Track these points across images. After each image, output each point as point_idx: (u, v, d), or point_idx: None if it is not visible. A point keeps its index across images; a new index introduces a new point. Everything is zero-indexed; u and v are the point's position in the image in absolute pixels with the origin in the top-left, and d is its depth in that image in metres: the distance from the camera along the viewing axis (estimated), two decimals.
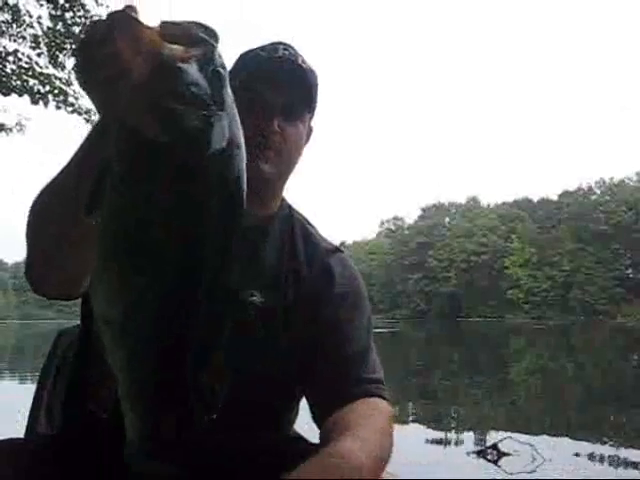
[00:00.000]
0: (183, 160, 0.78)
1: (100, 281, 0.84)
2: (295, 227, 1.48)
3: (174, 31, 0.81)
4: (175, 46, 0.79)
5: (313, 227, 1.54)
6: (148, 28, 0.80)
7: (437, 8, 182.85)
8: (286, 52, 1.35)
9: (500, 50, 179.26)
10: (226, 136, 0.81)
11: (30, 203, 1.13)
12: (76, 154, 1.03)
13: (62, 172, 1.06)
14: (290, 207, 1.51)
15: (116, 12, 0.83)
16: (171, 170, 0.78)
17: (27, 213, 1.13)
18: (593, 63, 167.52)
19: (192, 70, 0.79)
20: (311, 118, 1.44)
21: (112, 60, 0.80)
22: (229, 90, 0.84)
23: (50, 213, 1.08)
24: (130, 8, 0.81)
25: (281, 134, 1.34)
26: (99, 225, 0.82)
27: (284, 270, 1.41)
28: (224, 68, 0.84)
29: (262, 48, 1.38)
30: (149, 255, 0.80)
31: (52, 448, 1.38)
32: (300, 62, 1.36)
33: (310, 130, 1.46)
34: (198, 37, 0.81)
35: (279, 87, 1.34)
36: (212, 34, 0.83)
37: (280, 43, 1.38)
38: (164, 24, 0.81)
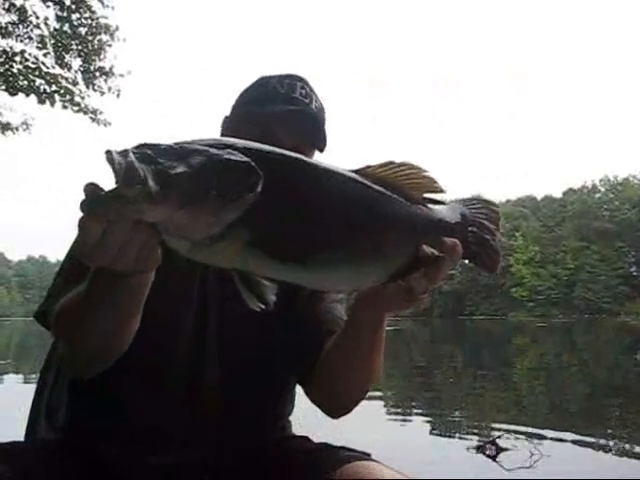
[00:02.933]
0: None
1: None
2: None
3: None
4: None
5: None
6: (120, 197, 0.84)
7: (447, 8, 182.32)
8: (302, 91, 1.39)
9: (505, 47, 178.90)
10: None
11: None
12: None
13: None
14: None
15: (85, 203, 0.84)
16: None
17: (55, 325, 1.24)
18: (598, 61, 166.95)
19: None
20: (322, 152, 1.46)
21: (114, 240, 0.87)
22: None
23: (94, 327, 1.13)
24: (90, 188, 0.83)
25: None
26: None
27: None
28: None
29: (280, 82, 1.41)
30: None
31: (55, 453, 1.37)
32: (314, 105, 1.40)
33: None
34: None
35: (291, 130, 1.36)
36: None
37: (299, 80, 1.42)
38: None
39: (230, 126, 1.44)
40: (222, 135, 1.43)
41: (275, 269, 0.93)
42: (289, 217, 0.92)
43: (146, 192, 0.81)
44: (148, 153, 0.84)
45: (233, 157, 0.88)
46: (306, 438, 1.51)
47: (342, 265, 0.98)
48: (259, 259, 0.90)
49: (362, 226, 0.99)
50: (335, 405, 1.44)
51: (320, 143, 1.42)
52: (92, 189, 0.82)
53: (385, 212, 1.01)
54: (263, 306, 0.93)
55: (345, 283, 1.06)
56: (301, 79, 1.42)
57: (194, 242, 0.87)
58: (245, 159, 0.88)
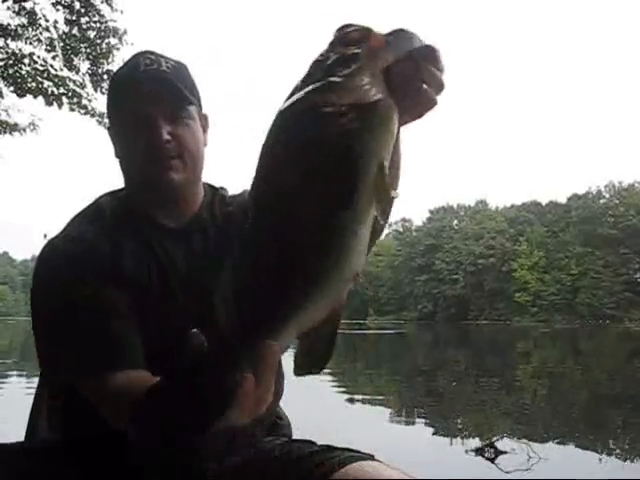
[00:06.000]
0: None
1: None
2: (214, 201, 1.51)
3: None
4: None
5: (227, 192, 1.57)
6: None
7: (448, 7, 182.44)
8: (147, 61, 1.37)
9: (509, 50, 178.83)
10: None
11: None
12: None
13: None
14: (211, 188, 1.54)
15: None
16: None
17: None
18: (604, 66, 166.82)
19: None
20: (201, 108, 1.45)
21: None
22: None
23: None
24: None
25: (176, 140, 1.35)
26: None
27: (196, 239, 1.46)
28: None
29: (125, 64, 1.41)
30: None
31: (55, 454, 1.38)
32: (164, 68, 1.37)
33: (205, 119, 1.47)
34: None
35: (153, 100, 1.34)
36: None
37: (140, 54, 1.40)
38: None
39: (112, 131, 1.45)
40: (113, 141, 1.44)
41: None
42: None
43: None
44: None
45: None
46: (309, 441, 1.51)
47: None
48: None
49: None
50: None
51: (186, 98, 1.38)
52: None
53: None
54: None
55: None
56: (144, 52, 1.41)
57: None
58: None
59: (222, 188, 1.57)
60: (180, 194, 1.41)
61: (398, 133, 1.04)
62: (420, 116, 1.06)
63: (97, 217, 1.41)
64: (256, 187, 1.00)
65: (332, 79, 0.94)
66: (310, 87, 0.95)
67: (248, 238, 1.01)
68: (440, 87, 1.03)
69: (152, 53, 1.40)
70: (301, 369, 1.04)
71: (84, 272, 1.31)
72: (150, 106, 1.34)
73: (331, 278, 0.97)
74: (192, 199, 1.46)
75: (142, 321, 1.33)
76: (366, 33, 0.98)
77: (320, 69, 0.97)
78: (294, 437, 1.61)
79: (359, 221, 0.95)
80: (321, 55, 1.00)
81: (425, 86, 1.00)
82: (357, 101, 0.93)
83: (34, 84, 10.14)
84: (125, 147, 1.40)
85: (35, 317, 1.38)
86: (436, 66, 1.00)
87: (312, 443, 1.49)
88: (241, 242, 1.03)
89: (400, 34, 0.99)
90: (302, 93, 0.96)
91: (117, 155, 1.44)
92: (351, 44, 0.97)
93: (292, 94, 0.98)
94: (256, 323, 0.99)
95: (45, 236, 1.48)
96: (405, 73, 0.99)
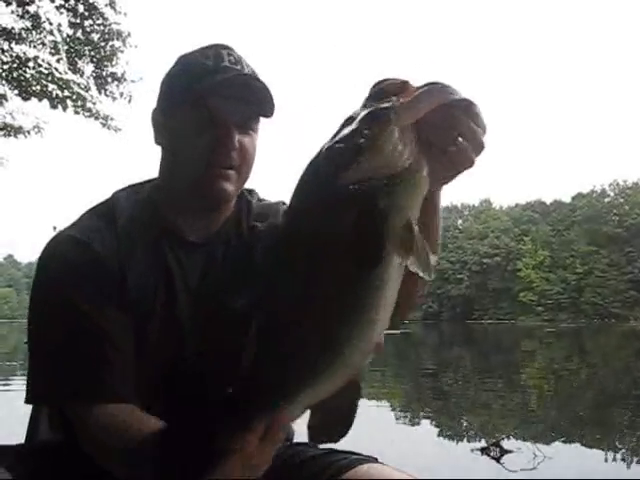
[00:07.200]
0: None
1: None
2: (242, 206, 1.43)
3: None
4: None
5: (256, 196, 1.50)
6: None
7: (449, 8, 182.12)
8: (231, 58, 1.28)
9: (513, 49, 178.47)
10: None
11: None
12: None
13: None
14: (241, 193, 1.42)
15: None
16: None
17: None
18: (608, 64, 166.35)
19: None
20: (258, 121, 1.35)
21: None
22: None
23: None
24: None
25: (239, 149, 1.27)
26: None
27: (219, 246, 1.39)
28: None
29: (204, 55, 1.29)
30: None
31: (56, 456, 1.37)
32: (247, 71, 1.29)
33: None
34: None
35: (236, 103, 1.26)
36: None
37: (223, 47, 1.30)
38: None
39: (162, 118, 1.33)
40: (155, 130, 1.34)
41: None
42: None
43: None
44: None
45: None
46: (311, 445, 1.48)
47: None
48: None
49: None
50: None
51: (267, 107, 1.30)
52: None
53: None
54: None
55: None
56: (225, 46, 1.31)
57: None
58: None
59: (251, 191, 1.48)
60: (222, 204, 1.34)
61: (438, 197, 1.01)
62: (456, 175, 1.01)
63: (110, 217, 1.31)
64: (278, 247, 1.00)
65: (359, 142, 0.90)
66: (336, 146, 0.92)
67: (268, 300, 0.98)
68: (479, 147, 0.97)
69: (234, 51, 1.31)
70: (315, 439, 1.03)
71: (84, 285, 1.23)
72: (232, 108, 1.26)
73: (352, 345, 0.93)
74: (225, 209, 1.38)
75: (141, 347, 1.26)
76: (401, 86, 0.94)
77: (350, 126, 0.93)
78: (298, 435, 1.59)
79: (386, 281, 0.92)
80: (354, 112, 0.96)
81: (461, 139, 0.95)
82: (384, 166, 0.89)
83: (38, 87, 10.17)
84: (182, 139, 1.28)
85: (29, 325, 1.36)
86: (475, 121, 0.95)
87: (314, 446, 1.48)
88: (259, 303, 1.00)
89: (433, 86, 0.93)
90: (328, 153, 0.93)
91: (158, 142, 1.34)
92: (384, 98, 0.94)
93: (321, 150, 0.95)
94: (270, 386, 0.96)
95: (54, 228, 1.41)
96: (437, 124, 0.94)
